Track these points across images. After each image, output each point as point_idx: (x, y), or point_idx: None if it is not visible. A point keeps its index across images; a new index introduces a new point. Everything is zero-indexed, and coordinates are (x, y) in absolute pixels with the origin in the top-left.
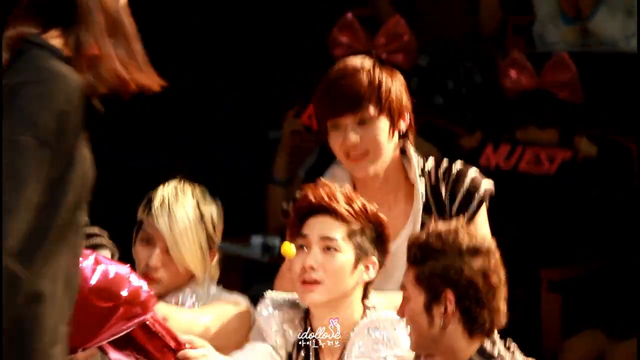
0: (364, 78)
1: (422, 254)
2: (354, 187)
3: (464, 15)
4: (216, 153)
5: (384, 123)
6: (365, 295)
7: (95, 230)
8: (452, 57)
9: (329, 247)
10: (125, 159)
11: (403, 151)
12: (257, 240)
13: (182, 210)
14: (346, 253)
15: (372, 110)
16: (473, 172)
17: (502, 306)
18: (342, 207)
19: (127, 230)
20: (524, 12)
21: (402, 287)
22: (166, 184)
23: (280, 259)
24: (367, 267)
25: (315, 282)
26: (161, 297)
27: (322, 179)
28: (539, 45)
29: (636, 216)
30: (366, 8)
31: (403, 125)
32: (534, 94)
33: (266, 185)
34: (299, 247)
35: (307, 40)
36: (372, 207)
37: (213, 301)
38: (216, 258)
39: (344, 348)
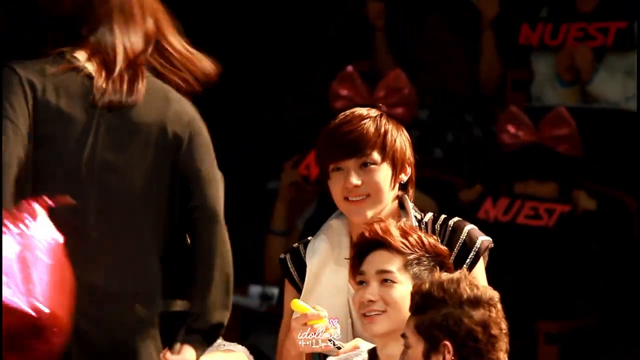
0: (371, 125)
1: (423, 302)
2: (351, 239)
3: (464, 69)
4: None
5: (386, 170)
6: None
7: None
8: (451, 111)
9: (385, 280)
10: None
11: (401, 205)
12: (255, 289)
13: None
14: (404, 284)
15: (375, 155)
16: (469, 227)
17: (503, 357)
18: (396, 239)
19: None
20: (523, 67)
21: (403, 336)
22: None
23: (278, 308)
24: None
25: (376, 314)
26: None
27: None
28: (537, 102)
29: (635, 270)
30: (367, 61)
31: (404, 177)
32: (533, 148)
33: (265, 235)
34: (359, 284)
35: (306, 92)
36: (429, 239)
37: (212, 350)
38: None
39: None
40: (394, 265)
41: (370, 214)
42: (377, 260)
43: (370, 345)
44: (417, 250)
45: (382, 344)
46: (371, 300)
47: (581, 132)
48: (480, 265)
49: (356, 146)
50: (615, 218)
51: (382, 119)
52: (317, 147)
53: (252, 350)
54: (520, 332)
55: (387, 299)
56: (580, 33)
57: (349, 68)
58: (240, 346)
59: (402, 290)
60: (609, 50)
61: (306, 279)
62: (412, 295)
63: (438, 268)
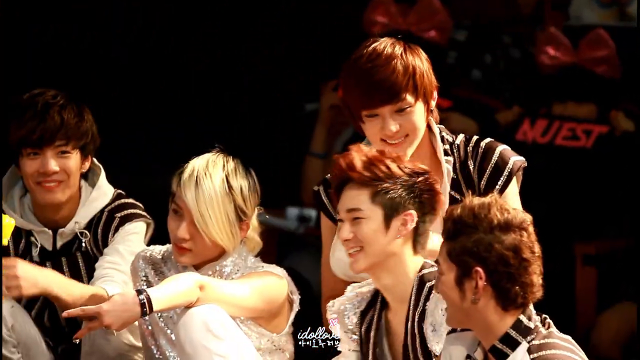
0: (399, 67)
1: (454, 229)
2: None
3: None
4: (253, 125)
5: (420, 108)
6: (417, 247)
7: (130, 201)
8: (490, 32)
9: (355, 218)
10: (164, 131)
11: (429, 127)
12: (292, 211)
13: (209, 182)
14: (374, 217)
15: (409, 98)
16: (502, 148)
17: (537, 280)
18: (361, 173)
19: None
20: None
21: (437, 262)
22: (201, 156)
23: (315, 230)
24: (404, 222)
25: (355, 252)
26: (197, 267)
27: (350, 148)
28: (576, 22)
29: None
30: None
31: (433, 103)
32: (571, 69)
33: (304, 157)
34: (340, 221)
35: (344, 15)
36: (398, 163)
37: (250, 272)
38: (256, 230)
39: (409, 304)
40: (362, 199)
41: (410, 151)
42: (346, 197)
43: None
44: (384, 179)
45: (374, 277)
46: (347, 239)
47: (620, 52)
48: (513, 186)
49: (390, 93)
50: None
51: (407, 54)
52: (344, 89)
53: (289, 272)
54: (558, 254)
55: (359, 236)
56: None
57: None
58: (278, 268)
59: (373, 224)
60: None
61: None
62: (444, 221)
63: (417, 190)
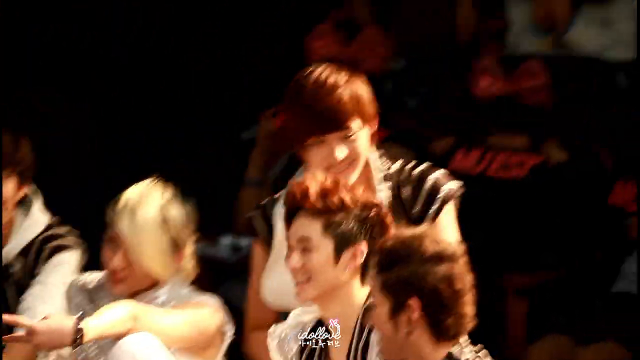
0: (346, 94)
1: (388, 260)
2: None
3: (440, 19)
4: (187, 152)
5: (365, 134)
6: (365, 278)
7: (64, 230)
8: (426, 62)
9: (304, 248)
10: (103, 159)
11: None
12: (225, 240)
13: (144, 212)
14: (323, 249)
15: (356, 125)
16: (437, 174)
17: (470, 311)
18: (315, 203)
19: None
20: (499, 17)
21: (370, 294)
22: (136, 185)
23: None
24: (353, 255)
25: (302, 283)
26: (131, 296)
27: (303, 177)
28: (513, 51)
29: (605, 222)
30: (344, 10)
31: (375, 127)
32: (505, 99)
33: (238, 185)
34: (288, 248)
35: (284, 43)
36: (352, 195)
37: (184, 302)
38: (191, 257)
39: (352, 336)
40: (313, 229)
41: (354, 177)
42: (297, 226)
43: None
44: (337, 211)
45: (320, 307)
46: (295, 269)
47: (556, 82)
48: (448, 212)
49: (336, 121)
50: (587, 169)
51: (352, 81)
52: (288, 116)
53: (222, 300)
54: (489, 285)
55: (308, 267)
56: None
57: (325, 24)
58: (212, 298)
59: (323, 255)
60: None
61: (274, 241)
62: (376, 253)
63: (368, 223)
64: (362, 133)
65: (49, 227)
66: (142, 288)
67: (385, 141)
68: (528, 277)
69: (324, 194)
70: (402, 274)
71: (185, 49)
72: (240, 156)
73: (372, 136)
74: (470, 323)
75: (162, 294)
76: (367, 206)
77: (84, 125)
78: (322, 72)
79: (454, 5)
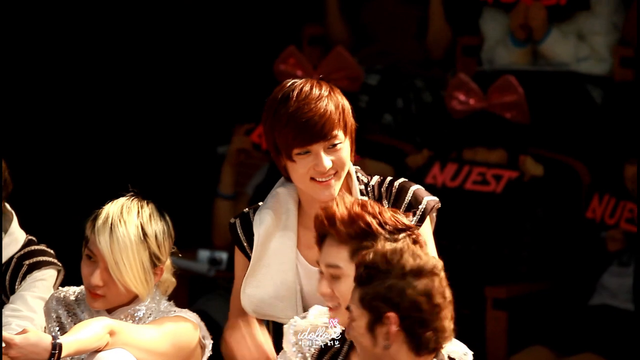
0: (331, 104)
1: (367, 274)
2: (299, 205)
3: (415, 34)
4: (164, 166)
5: (348, 145)
6: None
7: (40, 247)
8: (402, 76)
9: (333, 275)
10: (77, 174)
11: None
12: (204, 254)
13: (123, 230)
14: (352, 275)
15: (340, 135)
16: (415, 188)
17: (449, 325)
18: (341, 230)
19: (78, 246)
20: (474, 33)
21: (348, 308)
22: (115, 201)
23: (226, 273)
24: None
25: (336, 307)
26: (110, 311)
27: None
28: (488, 67)
29: (581, 235)
30: (319, 26)
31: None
32: (481, 114)
33: (213, 199)
34: (320, 272)
35: (261, 57)
36: (379, 220)
37: (162, 316)
38: (170, 270)
39: None
40: (341, 257)
41: (337, 189)
42: (326, 252)
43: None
44: (364, 236)
45: None
46: (324, 294)
47: (531, 96)
48: (427, 227)
49: (323, 130)
50: (563, 184)
51: (334, 93)
52: (272, 130)
53: (200, 314)
54: (468, 298)
55: (338, 294)
56: None
57: (292, 47)
58: (191, 312)
59: (350, 283)
60: (562, 9)
61: (254, 249)
62: (356, 267)
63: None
64: (345, 144)
65: (27, 244)
66: (120, 304)
67: (363, 157)
68: (507, 289)
69: (350, 219)
70: (380, 288)
71: (160, 64)
72: (216, 170)
73: (353, 148)
74: (450, 337)
75: (141, 308)
76: (397, 230)
77: (58, 139)
78: (305, 84)
79: (427, 20)
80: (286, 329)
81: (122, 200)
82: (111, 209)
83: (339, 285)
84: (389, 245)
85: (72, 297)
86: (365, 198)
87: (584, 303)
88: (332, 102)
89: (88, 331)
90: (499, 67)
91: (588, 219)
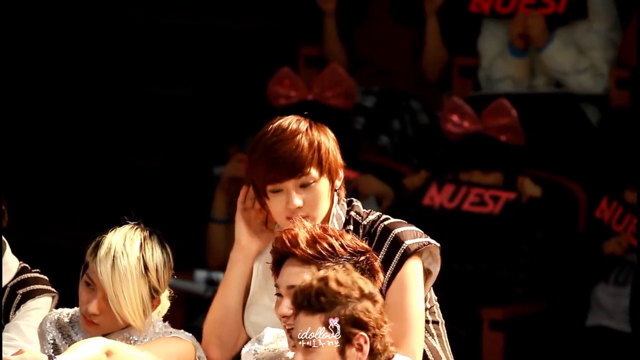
0: (304, 141)
1: (327, 301)
2: None
3: (411, 56)
4: (161, 186)
5: (324, 184)
6: None
7: (34, 275)
8: (398, 97)
9: None
10: (73, 193)
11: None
12: (201, 274)
13: (125, 263)
14: None
15: (313, 172)
16: (398, 230)
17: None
18: (304, 250)
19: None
20: (470, 53)
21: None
22: (118, 230)
23: None
24: None
25: (290, 329)
26: (105, 335)
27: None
28: (484, 87)
29: (579, 256)
30: (316, 47)
31: (338, 182)
32: (476, 137)
33: (208, 220)
34: (277, 295)
35: (257, 78)
36: (343, 241)
37: (158, 338)
38: (165, 294)
39: None
40: (304, 277)
41: None
42: (287, 273)
43: None
44: (327, 257)
45: None
46: (285, 316)
47: (527, 118)
48: (408, 269)
49: (294, 167)
50: (561, 205)
51: (313, 130)
52: (250, 165)
53: (200, 332)
54: (464, 319)
55: None
56: (532, 0)
57: (285, 69)
58: (186, 333)
59: None
60: (560, 18)
61: (253, 278)
62: (307, 296)
63: (358, 269)
64: (321, 182)
65: (20, 272)
66: (115, 330)
67: (363, 173)
68: (504, 310)
69: (314, 240)
70: (347, 312)
71: (156, 82)
72: (213, 190)
73: (333, 188)
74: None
75: (136, 332)
76: (357, 252)
77: (53, 158)
78: (284, 121)
79: (423, 42)
80: (245, 355)
81: (125, 229)
82: (114, 239)
83: None
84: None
85: (67, 319)
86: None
87: (581, 324)
88: (307, 139)
89: (84, 351)
90: (497, 80)
91: (595, 219)
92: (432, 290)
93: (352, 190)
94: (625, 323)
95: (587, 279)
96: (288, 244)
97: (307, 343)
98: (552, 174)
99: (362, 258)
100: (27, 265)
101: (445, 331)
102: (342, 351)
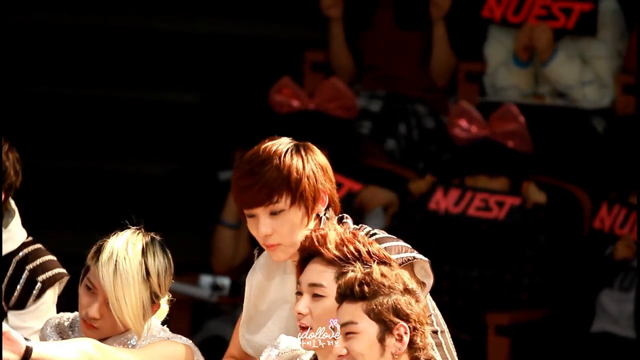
0: (274, 168)
1: (370, 290)
2: None
3: (417, 61)
4: (166, 191)
5: (295, 212)
6: None
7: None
8: (404, 102)
9: (315, 294)
10: (78, 196)
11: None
12: (206, 280)
13: (128, 268)
14: (333, 297)
15: (283, 202)
16: (386, 244)
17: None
18: (330, 251)
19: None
20: (477, 58)
21: (344, 324)
22: (120, 234)
23: (228, 299)
24: None
25: (305, 328)
26: (103, 340)
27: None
28: (490, 93)
29: (584, 261)
30: (322, 51)
31: (321, 207)
32: (483, 142)
33: (214, 224)
34: (297, 294)
35: (262, 83)
36: (370, 248)
37: (154, 341)
38: (164, 299)
39: None
40: (327, 277)
41: (283, 256)
42: (310, 270)
43: None
44: (352, 261)
45: (321, 356)
46: (301, 314)
47: (532, 126)
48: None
49: (261, 196)
50: (566, 211)
51: (291, 155)
52: (232, 187)
53: (215, 340)
54: (469, 324)
55: (315, 314)
56: (543, 11)
57: (285, 78)
58: (184, 338)
59: (330, 304)
60: (569, 33)
61: (246, 296)
62: (347, 284)
63: None
64: (292, 211)
65: (23, 246)
66: (114, 334)
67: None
68: (510, 315)
69: (342, 242)
70: (389, 302)
71: (162, 86)
72: (218, 195)
73: (310, 215)
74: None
75: (134, 336)
76: (382, 262)
77: (57, 163)
78: (267, 146)
79: (430, 48)
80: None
81: (127, 234)
82: (116, 244)
83: (318, 305)
84: (384, 268)
85: (67, 324)
86: None
87: (586, 329)
88: (277, 168)
89: (66, 346)
90: (501, 89)
91: (594, 233)
92: (431, 300)
93: (357, 206)
94: (630, 328)
95: (592, 284)
96: (316, 243)
97: (348, 330)
98: (556, 179)
99: (380, 264)
100: (40, 245)
101: (450, 339)
102: (382, 339)
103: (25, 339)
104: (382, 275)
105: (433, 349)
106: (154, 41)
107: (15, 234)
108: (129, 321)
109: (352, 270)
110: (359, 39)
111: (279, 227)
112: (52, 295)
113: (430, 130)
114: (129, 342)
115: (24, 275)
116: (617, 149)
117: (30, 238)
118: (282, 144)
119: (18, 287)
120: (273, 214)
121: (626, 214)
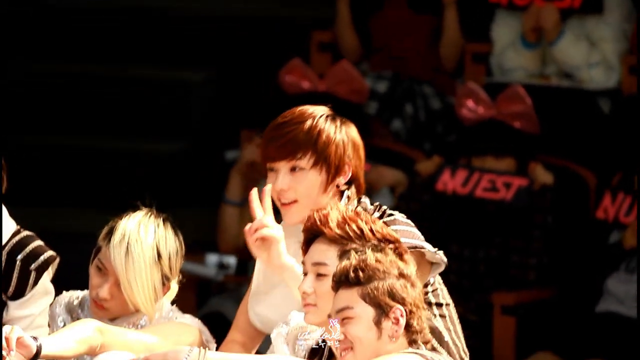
0: (306, 126)
1: (365, 275)
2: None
3: (425, 42)
4: (172, 170)
5: (316, 175)
6: None
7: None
8: (410, 82)
9: (319, 273)
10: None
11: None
12: (212, 258)
13: (140, 250)
14: None
15: (305, 160)
16: (397, 227)
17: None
18: (332, 230)
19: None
20: (483, 39)
21: (340, 310)
22: (132, 215)
23: (234, 278)
24: None
25: (309, 305)
26: (113, 320)
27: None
28: (496, 74)
29: (590, 242)
30: (329, 32)
31: (342, 180)
32: (490, 123)
33: (220, 204)
34: (303, 274)
35: (269, 63)
36: (373, 226)
37: (163, 322)
38: (174, 280)
39: None
40: (329, 255)
41: (298, 217)
42: (314, 250)
43: None
44: (355, 239)
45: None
46: (306, 293)
47: (539, 106)
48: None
49: (285, 149)
50: (573, 191)
51: (322, 119)
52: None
53: (215, 316)
54: (476, 304)
55: (319, 293)
56: None
57: (296, 60)
58: (194, 319)
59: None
60: (575, 13)
61: (256, 269)
62: (345, 270)
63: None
64: (312, 172)
65: (13, 236)
66: (124, 315)
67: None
68: (516, 295)
69: (344, 221)
70: (385, 286)
71: (172, 65)
72: (224, 174)
73: (331, 182)
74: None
75: (143, 316)
76: (385, 239)
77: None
78: (306, 107)
79: (440, 27)
80: (275, 338)
81: (139, 216)
82: (128, 226)
83: (322, 284)
84: (378, 254)
85: (76, 302)
86: None
87: (591, 310)
88: (309, 125)
89: (74, 332)
90: (508, 71)
91: (598, 220)
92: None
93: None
94: (634, 309)
95: (598, 265)
96: (318, 223)
97: (344, 315)
98: (563, 159)
99: (390, 246)
100: (30, 232)
101: (455, 313)
102: (378, 323)
103: (34, 337)
104: (377, 260)
105: (436, 319)
106: (163, 21)
107: (5, 228)
108: (139, 303)
109: (354, 249)
110: (369, 22)
111: (297, 185)
112: (46, 278)
113: (437, 111)
114: (138, 323)
115: (16, 267)
116: (623, 129)
117: (18, 227)
118: (321, 109)
119: (13, 278)
120: (293, 170)
121: (631, 202)
